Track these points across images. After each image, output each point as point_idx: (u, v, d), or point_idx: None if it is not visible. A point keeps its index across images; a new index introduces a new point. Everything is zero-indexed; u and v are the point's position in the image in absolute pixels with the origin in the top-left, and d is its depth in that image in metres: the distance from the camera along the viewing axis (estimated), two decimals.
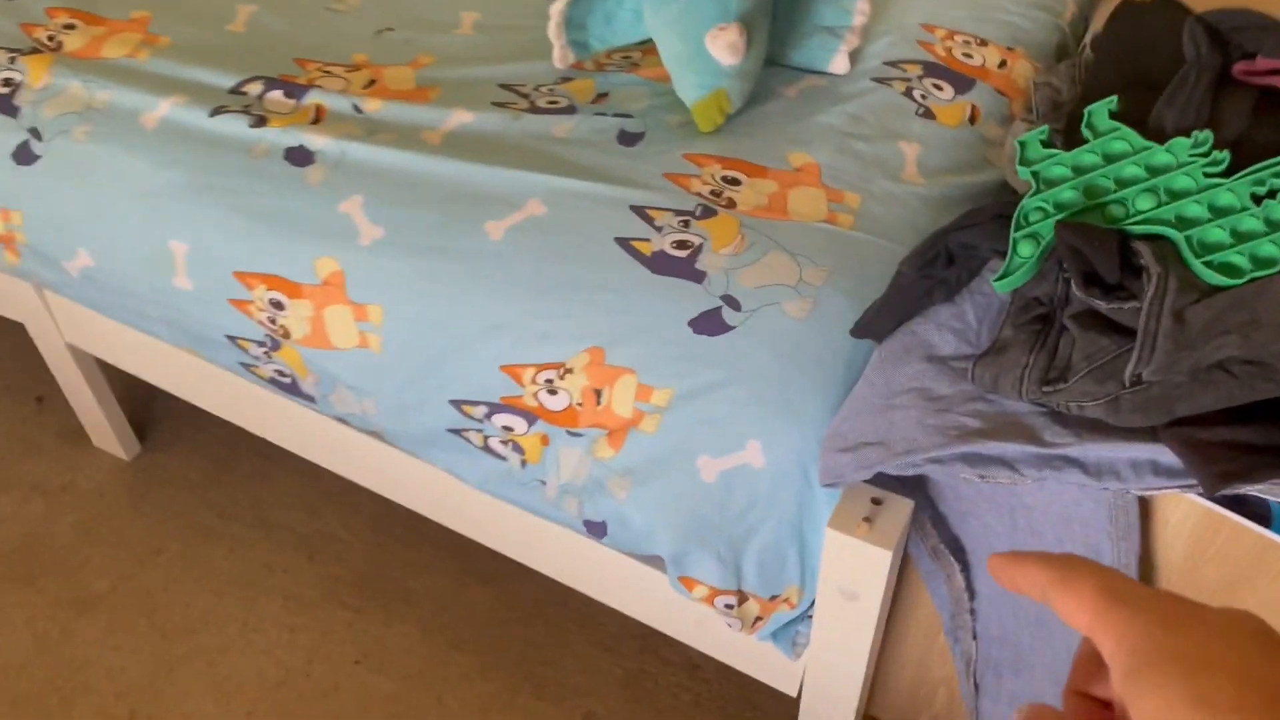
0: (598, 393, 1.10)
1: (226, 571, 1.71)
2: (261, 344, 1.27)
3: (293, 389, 1.32)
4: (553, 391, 1.12)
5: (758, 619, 1.15)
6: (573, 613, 1.63)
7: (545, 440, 1.15)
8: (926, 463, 0.97)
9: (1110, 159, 0.96)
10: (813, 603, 1.14)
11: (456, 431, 1.21)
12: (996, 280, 0.95)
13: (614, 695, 1.55)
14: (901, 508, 1.03)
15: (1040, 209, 0.96)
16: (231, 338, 1.29)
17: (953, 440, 0.96)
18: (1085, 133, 0.99)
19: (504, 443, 1.19)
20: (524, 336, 1.12)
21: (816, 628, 1.15)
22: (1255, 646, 0.33)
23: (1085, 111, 1.00)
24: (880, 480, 1.04)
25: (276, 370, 1.31)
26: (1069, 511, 1.00)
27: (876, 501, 1.04)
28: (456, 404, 1.18)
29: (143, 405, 1.97)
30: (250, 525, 1.77)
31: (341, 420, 1.32)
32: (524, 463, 1.19)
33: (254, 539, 1.75)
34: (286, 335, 1.24)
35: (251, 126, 1.27)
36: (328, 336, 1.21)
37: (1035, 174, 0.99)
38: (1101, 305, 0.90)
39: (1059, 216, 0.94)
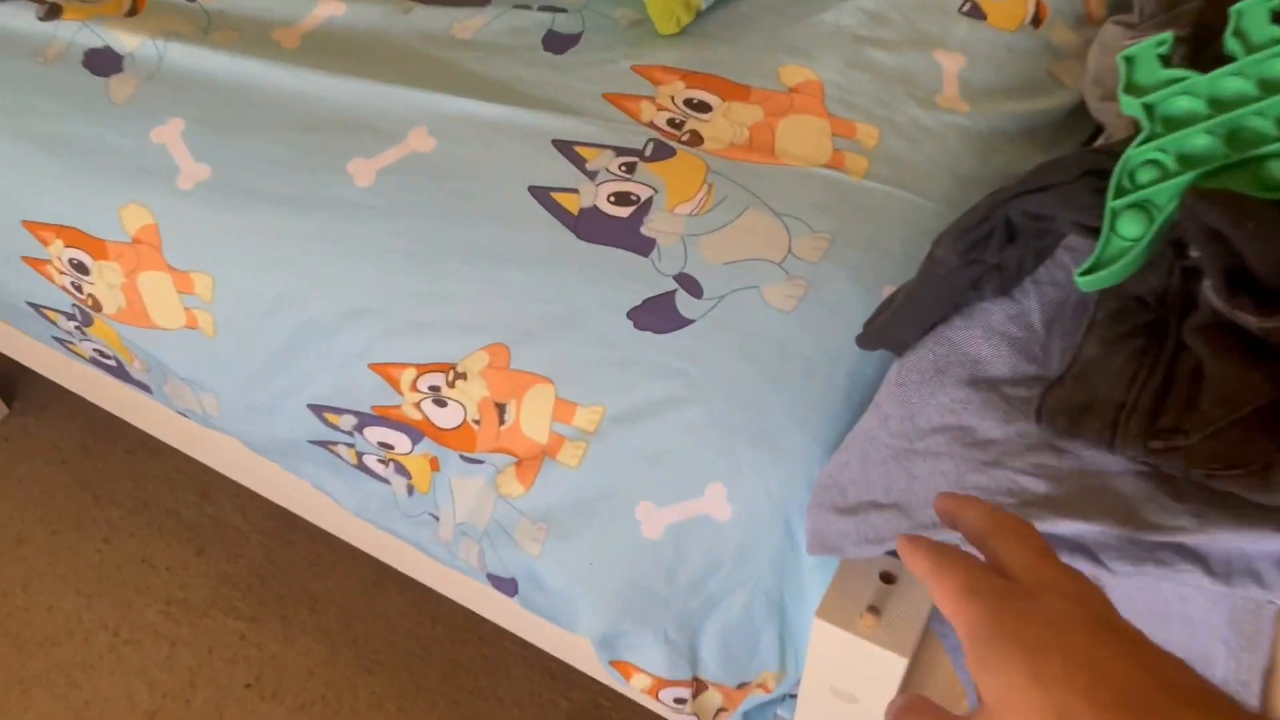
0: (500, 407, 0.78)
1: (98, 567, 1.43)
2: (71, 317, 0.96)
3: (121, 373, 1.01)
4: (440, 403, 0.80)
5: (721, 710, 0.85)
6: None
7: (434, 464, 0.84)
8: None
9: (1271, 88, 0.62)
10: (798, 681, 0.84)
11: (322, 444, 0.90)
12: (1083, 273, 0.62)
13: None
14: (922, 588, 0.71)
15: (1156, 163, 0.64)
16: (35, 306, 0.97)
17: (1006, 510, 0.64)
18: (1230, 45, 0.66)
19: (383, 462, 0.88)
20: (400, 325, 0.81)
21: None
22: (1085, 632, 0.38)
23: (1231, 11, 0.66)
24: None
25: (96, 350, 0.99)
26: (1168, 606, 0.69)
27: (887, 579, 0.73)
28: (317, 410, 0.86)
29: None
30: (130, 510, 1.49)
31: (184, 415, 1.01)
32: (411, 489, 0.88)
33: (133, 527, 1.47)
34: (97, 308, 0.92)
35: (42, 19, 0.94)
36: (147, 312, 0.89)
37: (1148, 108, 0.66)
38: (1252, 322, 0.59)
39: (1187, 177, 0.61)
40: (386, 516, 0.92)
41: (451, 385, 0.80)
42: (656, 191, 0.82)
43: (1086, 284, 0.63)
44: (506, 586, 0.86)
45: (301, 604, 1.39)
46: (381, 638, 1.36)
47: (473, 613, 1.32)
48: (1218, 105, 0.64)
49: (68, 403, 1.60)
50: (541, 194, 0.82)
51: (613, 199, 0.82)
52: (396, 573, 1.35)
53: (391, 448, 0.86)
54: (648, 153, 0.84)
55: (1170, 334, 0.65)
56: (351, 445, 0.88)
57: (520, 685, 1.32)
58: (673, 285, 0.78)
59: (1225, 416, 0.59)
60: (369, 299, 0.81)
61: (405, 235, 0.82)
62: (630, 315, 0.78)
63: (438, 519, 0.88)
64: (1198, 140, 0.63)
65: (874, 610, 0.71)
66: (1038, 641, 0.38)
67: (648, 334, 0.77)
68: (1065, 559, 0.66)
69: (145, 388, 1.01)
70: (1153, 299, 0.66)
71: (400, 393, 0.82)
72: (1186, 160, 0.63)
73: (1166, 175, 0.63)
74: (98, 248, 0.88)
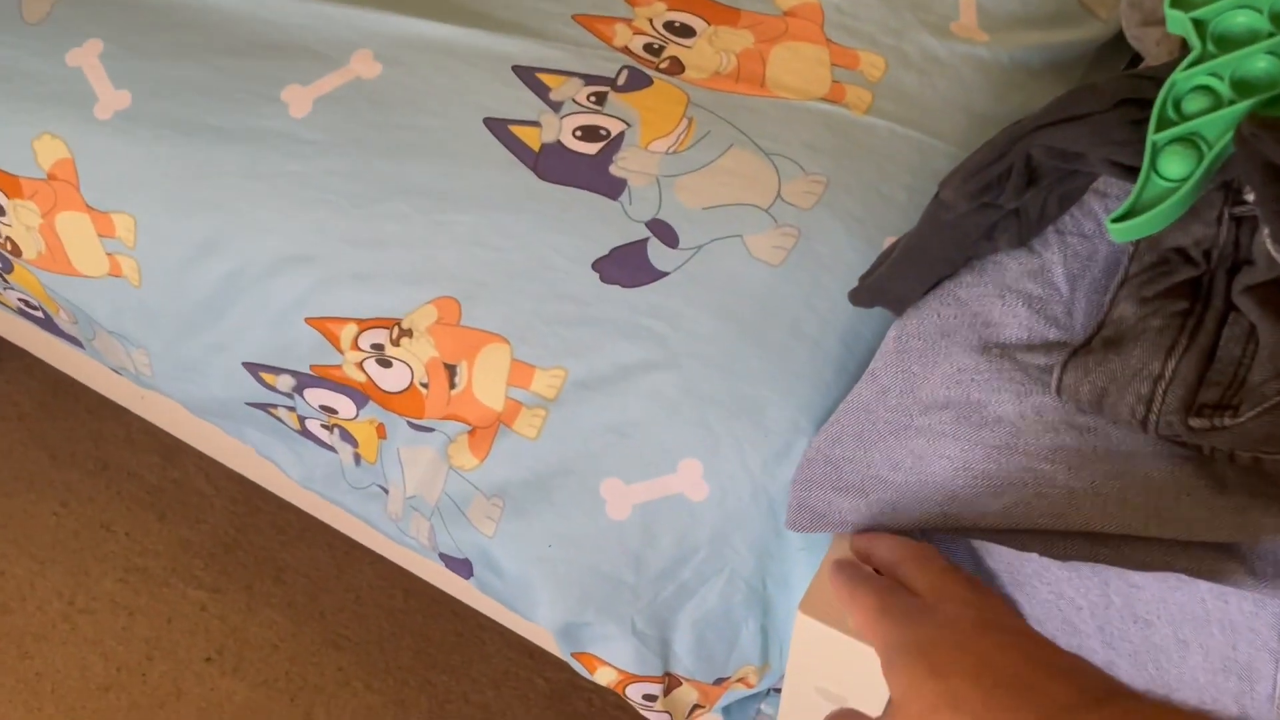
0: (450, 369, 0.70)
1: (54, 531, 1.36)
2: None
3: (50, 326, 0.92)
4: (384, 363, 0.72)
5: (697, 707, 0.77)
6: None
7: (381, 431, 0.76)
8: (976, 531, 0.57)
9: None
10: (784, 675, 0.76)
11: (262, 406, 0.81)
12: (1116, 219, 0.53)
13: (534, 717, 1.23)
14: None
15: (1207, 90, 0.54)
16: None
17: (1016, 508, 0.55)
18: None
19: (327, 427, 0.79)
20: (338, 274, 0.73)
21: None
22: (975, 630, 0.44)
23: None
24: None
25: (21, 300, 0.91)
26: (1205, 608, 0.60)
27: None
28: (252, 369, 0.78)
29: None
30: (89, 472, 1.41)
31: (118, 373, 0.92)
32: (357, 458, 0.79)
33: (92, 490, 1.40)
34: (17, 252, 0.83)
35: None
36: (68, 258, 0.81)
37: (1199, 24, 0.56)
38: None
39: (1244, 106, 0.52)
40: (333, 487, 0.84)
41: (396, 343, 0.71)
42: (629, 125, 0.72)
43: (1120, 233, 0.54)
44: (460, 568, 0.78)
45: (266, 574, 1.32)
46: (350, 611, 1.29)
47: None
48: None
49: (27, 356, 1.52)
50: (499, 127, 0.73)
51: (579, 133, 0.72)
52: (368, 543, 1.27)
53: (335, 412, 0.77)
54: (620, 82, 0.75)
55: (1218, 294, 0.56)
56: (292, 409, 0.80)
57: (496, 664, 1.25)
58: (645, 233, 0.69)
59: None
60: (304, 245, 0.73)
61: (345, 173, 0.72)
62: (596, 266, 0.69)
63: (387, 492, 0.79)
64: (1258, 63, 0.54)
65: None
66: (934, 641, 0.44)
67: (615, 288, 0.68)
68: (1086, 549, 0.57)
69: (76, 341, 0.92)
70: (1198, 252, 0.57)
71: (340, 351, 0.73)
72: (1244, 86, 0.53)
73: (1219, 104, 0.53)
74: (11, 185, 0.80)
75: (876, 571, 0.56)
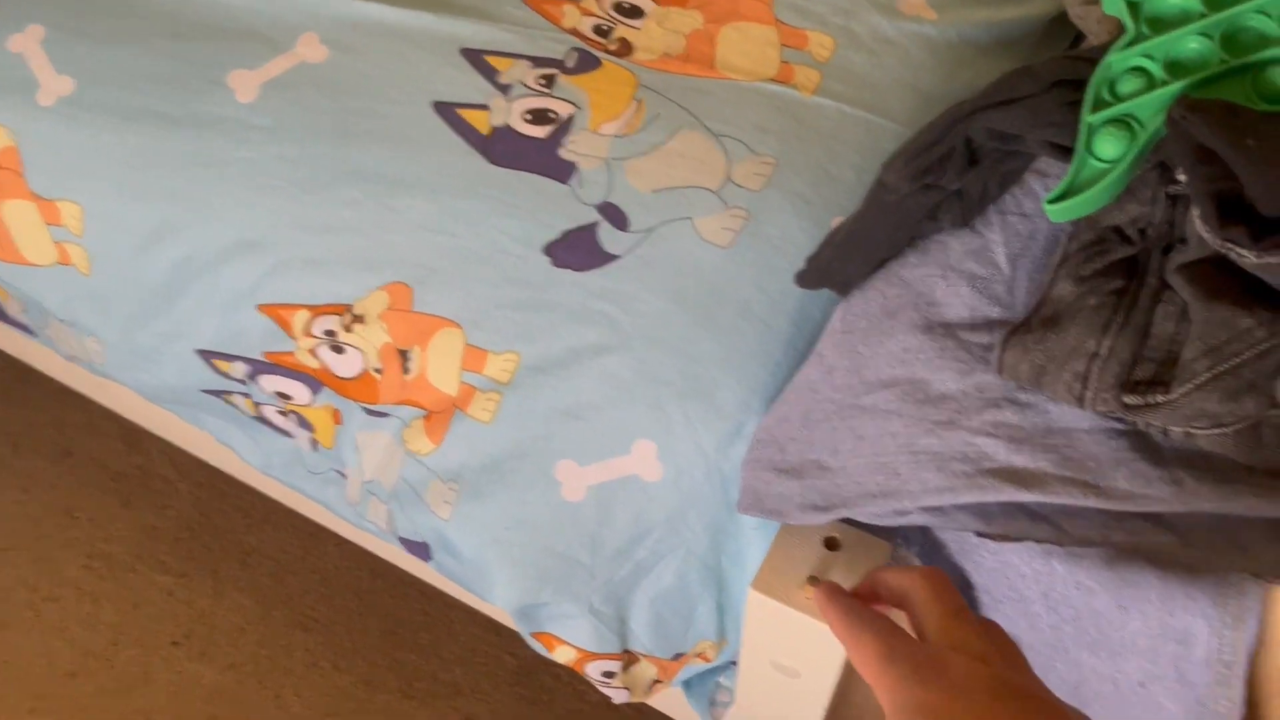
0: (403, 354, 0.70)
1: (16, 519, 1.35)
2: None
3: (0, 314, 0.91)
4: (337, 349, 0.72)
5: (656, 682, 0.78)
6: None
7: (337, 417, 0.76)
8: (915, 512, 0.58)
9: None
10: (739, 650, 0.77)
11: (216, 393, 0.81)
12: (1052, 200, 0.53)
13: (502, 694, 1.22)
14: (871, 556, 0.64)
15: (1141, 71, 0.54)
16: None
17: (959, 480, 0.56)
18: None
19: (283, 413, 0.79)
20: (288, 261, 0.72)
21: (743, 697, 0.78)
22: (987, 694, 0.43)
23: None
24: None
25: None
26: (1143, 575, 0.62)
27: (831, 545, 0.65)
28: (205, 356, 0.78)
29: None
30: (52, 458, 1.40)
31: (72, 361, 0.92)
32: (314, 443, 0.79)
33: (54, 476, 1.38)
34: None
35: None
36: (15, 246, 0.80)
37: (1134, 6, 0.56)
38: (1249, 257, 0.51)
39: (1176, 87, 0.52)
40: (291, 473, 0.84)
41: (348, 329, 0.71)
42: (578, 108, 0.72)
43: (1057, 213, 0.54)
44: (419, 551, 0.78)
45: (233, 558, 1.31)
46: (317, 593, 1.29)
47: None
48: (1214, 3, 0.55)
49: None
50: (447, 111, 0.72)
51: (528, 117, 0.72)
52: (334, 526, 1.27)
53: (289, 398, 0.77)
54: (570, 64, 0.74)
55: (1152, 272, 0.57)
56: (247, 395, 0.80)
57: (464, 642, 1.25)
58: (595, 216, 0.69)
59: (1211, 368, 0.51)
60: (254, 231, 0.72)
61: (293, 158, 0.72)
62: (547, 251, 0.69)
63: (345, 476, 0.80)
64: (1189, 44, 0.54)
65: (815, 580, 0.64)
66: (946, 706, 0.42)
67: (567, 272, 0.68)
68: (1026, 526, 0.58)
69: (27, 330, 0.91)
70: (1134, 230, 0.58)
71: (293, 337, 0.73)
72: (1176, 67, 0.54)
73: (1152, 85, 0.54)
74: None
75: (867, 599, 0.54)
